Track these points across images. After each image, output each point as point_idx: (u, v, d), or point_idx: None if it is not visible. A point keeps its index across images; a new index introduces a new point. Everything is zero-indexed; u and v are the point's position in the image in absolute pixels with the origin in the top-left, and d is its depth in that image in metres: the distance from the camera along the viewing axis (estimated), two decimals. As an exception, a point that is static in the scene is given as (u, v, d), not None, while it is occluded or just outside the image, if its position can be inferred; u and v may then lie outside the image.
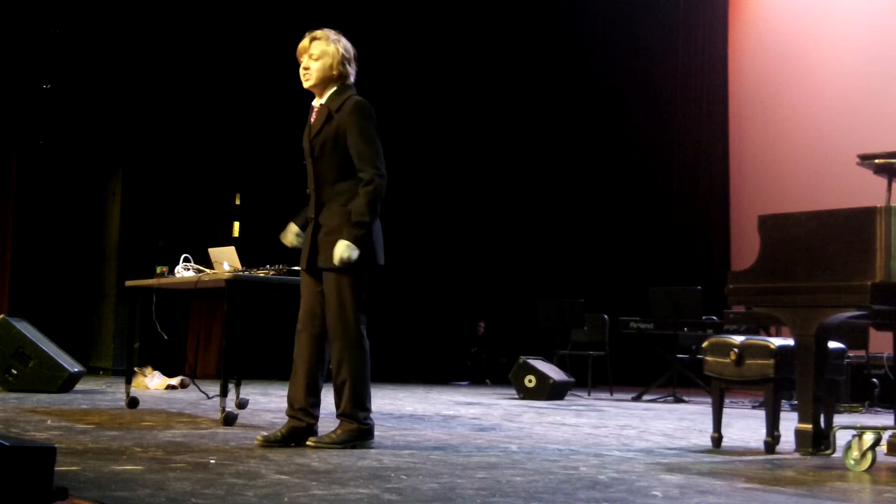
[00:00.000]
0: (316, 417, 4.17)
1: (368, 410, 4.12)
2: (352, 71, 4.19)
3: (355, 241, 3.96)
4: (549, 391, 8.81)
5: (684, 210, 13.47)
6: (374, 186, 3.99)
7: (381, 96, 12.55)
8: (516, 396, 8.98)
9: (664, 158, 13.62)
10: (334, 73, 4.14)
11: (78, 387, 7.68)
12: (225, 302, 4.95)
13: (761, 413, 6.72)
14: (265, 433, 4.21)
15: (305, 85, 4.21)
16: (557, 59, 13.72)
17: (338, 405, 4.09)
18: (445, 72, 12.90)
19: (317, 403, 4.17)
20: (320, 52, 4.15)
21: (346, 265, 3.97)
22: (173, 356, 9.20)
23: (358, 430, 4.06)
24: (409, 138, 12.47)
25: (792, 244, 4.18)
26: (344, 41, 4.19)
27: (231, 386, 5.58)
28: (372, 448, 4.05)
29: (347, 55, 4.17)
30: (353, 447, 4.01)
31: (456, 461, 3.72)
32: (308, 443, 4.05)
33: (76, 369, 7.44)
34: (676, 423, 6.23)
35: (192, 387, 8.28)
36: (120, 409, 5.81)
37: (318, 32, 4.19)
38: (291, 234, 4.43)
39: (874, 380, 8.43)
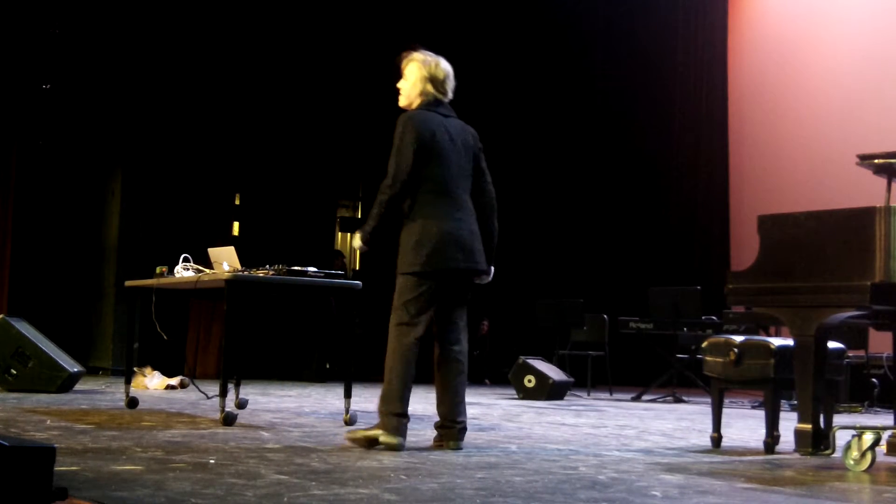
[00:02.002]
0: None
1: (396, 412, 4.08)
2: (436, 91, 4.33)
3: (360, 233, 4.31)
4: (549, 391, 8.81)
5: (684, 210, 13.46)
6: (378, 198, 4.20)
7: (385, 99, 12.55)
8: (516, 396, 8.98)
9: (664, 158, 13.62)
10: (415, 92, 4.34)
11: (77, 387, 7.67)
12: (224, 302, 4.94)
13: (761, 413, 6.72)
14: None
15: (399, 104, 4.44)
16: (557, 59, 13.72)
17: None
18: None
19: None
20: (407, 74, 4.38)
21: (359, 251, 4.46)
22: (173, 356, 9.20)
23: (381, 426, 4.08)
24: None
25: (791, 244, 4.18)
26: (431, 63, 4.34)
27: (231, 386, 5.58)
28: (399, 449, 4.02)
29: (431, 76, 4.32)
30: (376, 444, 4.05)
31: (455, 461, 3.72)
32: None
33: (75, 369, 7.43)
34: (676, 423, 6.23)
35: (191, 387, 8.28)
36: (119, 410, 5.80)
37: (413, 54, 4.39)
38: None
39: (874, 380, 8.42)
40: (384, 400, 4.10)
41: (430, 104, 4.30)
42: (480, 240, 4.28)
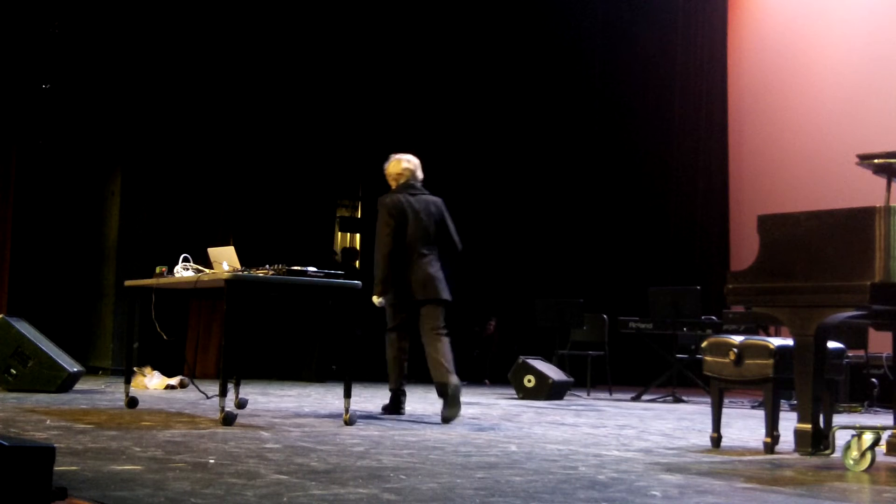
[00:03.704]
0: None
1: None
2: (400, 179, 6.14)
3: (376, 291, 6.01)
4: (549, 391, 8.81)
5: (684, 210, 13.47)
6: (378, 265, 6.01)
7: (385, 100, 12.57)
8: (515, 396, 8.98)
9: (664, 158, 13.62)
10: (391, 183, 6.19)
11: (77, 386, 7.67)
12: (224, 302, 4.94)
13: (760, 413, 6.73)
14: None
15: None
16: (557, 60, 13.72)
17: None
18: (445, 75, 12.90)
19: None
20: None
21: (379, 305, 6.09)
22: (172, 356, 9.20)
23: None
24: (412, 141, 12.46)
25: (791, 244, 4.18)
26: (390, 162, 6.19)
27: (230, 386, 5.58)
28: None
29: (391, 171, 6.18)
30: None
31: (455, 461, 3.72)
32: None
33: (75, 369, 7.43)
34: (675, 423, 6.23)
35: (191, 387, 8.28)
36: (119, 409, 5.80)
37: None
38: None
39: (873, 380, 8.43)
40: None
41: (398, 188, 6.09)
42: (438, 277, 5.93)
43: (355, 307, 5.36)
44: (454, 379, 5.67)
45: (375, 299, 5.96)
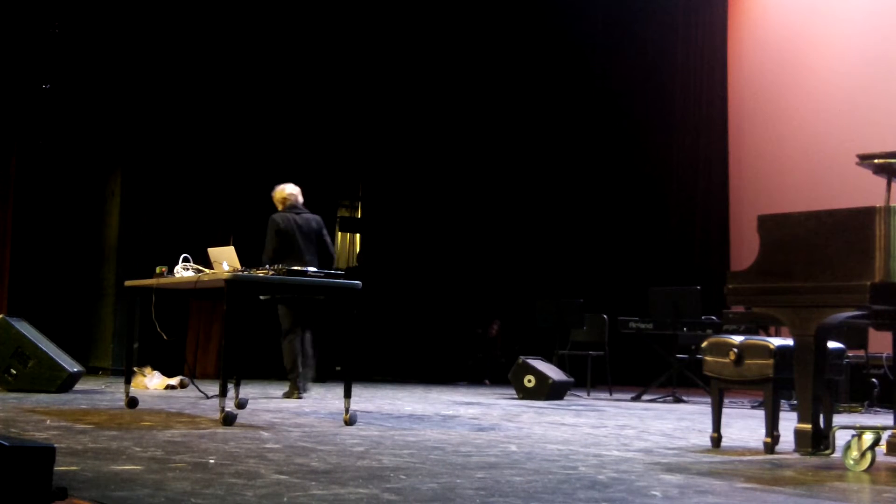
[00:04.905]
0: None
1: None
2: (285, 202, 7.63)
3: None
4: (549, 391, 8.81)
5: (684, 210, 13.46)
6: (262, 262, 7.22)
7: (386, 100, 12.57)
8: (515, 396, 8.98)
9: (664, 158, 13.61)
10: (278, 206, 7.68)
11: (77, 387, 7.68)
12: (224, 302, 4.94)
13: (761, 413, 6.72)
14: None
15: None
16: (557, 60, 13.72)
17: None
18: (446, 74, 12.90)
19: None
20: None
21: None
22: (173, 356, 9.20)
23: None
24: (411, 141, 12.46)
25: (791, 244, 4.18)
26: (276, 191, 7.69)
27: (230, 386, 5.58)
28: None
29: (277, 197, 7.67)
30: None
31: (455, 461, 3.72)
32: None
33: (75, 369, 7.44)
34: (676, 423, 6.23)
35: (191, 387, 8.28)
36: (119, 409, 5.81)
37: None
38: None
39: (873, 380, 8.43)
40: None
41: (285, 209, 7.57)
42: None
43: (355, 307, 5.36)
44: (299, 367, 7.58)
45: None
